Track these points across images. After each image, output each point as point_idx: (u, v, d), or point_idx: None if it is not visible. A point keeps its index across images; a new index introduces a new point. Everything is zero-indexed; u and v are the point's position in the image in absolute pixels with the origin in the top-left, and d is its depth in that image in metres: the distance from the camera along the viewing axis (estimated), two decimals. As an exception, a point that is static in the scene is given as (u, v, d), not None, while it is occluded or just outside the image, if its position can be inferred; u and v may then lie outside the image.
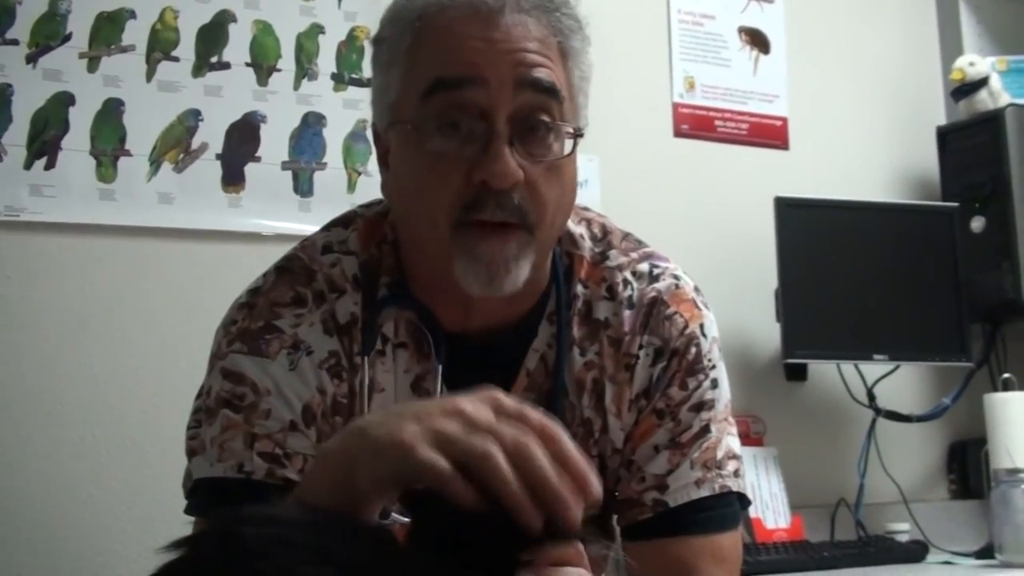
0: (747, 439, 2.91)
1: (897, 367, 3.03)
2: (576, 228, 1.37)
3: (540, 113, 1.21)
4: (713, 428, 1.32)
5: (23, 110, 2.31)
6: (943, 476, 3.30)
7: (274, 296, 1.28)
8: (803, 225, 2.93)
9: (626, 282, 1.34)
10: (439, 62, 1.21)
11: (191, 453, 1.29)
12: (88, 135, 2.36)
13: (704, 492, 1.29)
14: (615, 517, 1.33)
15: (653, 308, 1.32)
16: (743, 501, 1.35)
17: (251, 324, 1.27)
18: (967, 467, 3.24)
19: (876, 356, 2.96)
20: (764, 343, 3.01)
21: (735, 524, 1.33)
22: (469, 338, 1.29)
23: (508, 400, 0.88)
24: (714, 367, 1.34)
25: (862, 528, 2.93)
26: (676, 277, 1.36)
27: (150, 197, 2.41)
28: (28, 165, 2.31)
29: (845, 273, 2.97)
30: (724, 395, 1.35)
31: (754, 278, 2.98)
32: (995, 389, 3.01)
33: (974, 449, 3.16)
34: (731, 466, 1.32)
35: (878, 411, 3.05)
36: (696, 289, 1.37)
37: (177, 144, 2.44)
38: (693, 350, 1.32)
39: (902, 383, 3.13)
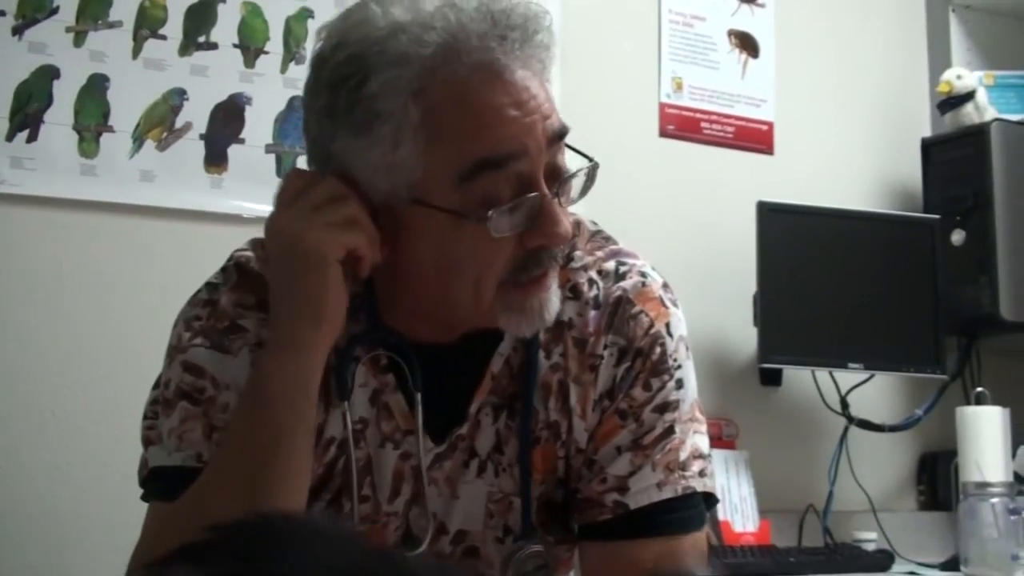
0: (719, 442, 2.91)
1: (872, 376, 3.04)
2: None
3: (562, 159, 1.20)
4: (677, 429, 1.29)
5: (7, 82, 2.30)
6: (912, 487, 3.31)
7: (237, 298, 1.27)
8: (785, 230, 2.94)
9: (591, 282, 1.31)
10: (478, 141, 1.14)
11: (147, 442, 1.28)
12: (72, 110, 2.35)
13: (666, 494, 1.27)
14: (574, 516, 1.32)
15: (618, 307, 1.30)
16: (710, 500, 1.33)
17: (216, 323, 1.26)
18: (936, 479, 3.25)
19: (851, 364, 2.97)
20: (740, 347, 3.01)
21: (699, 525, 1.32)
22: (435, 347, 1.27)
23: None
24: (679, 367, 1.31)
25: (829, 535, 2.95)
26: (643, 275, 1.33)
27: (132, 174, 2.40)
28: (10, 137, 2.29)
29: (824, 280, 2.97)
30: (690, 394, 1.32)
31: (733, 281, 2.99)
32: (968, 402, 3.02)
33: (944, 461, 3.17)
34: (696, 466, 1.30)
35: (851, 419, 3.06)
36: (664, 286, 1.35)
37: (161, 122, 2.43)
38: (658, 350, 1.29)
39: (876, 392, 3.14)
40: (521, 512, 1.28)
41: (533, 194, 1.15)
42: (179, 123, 2.45)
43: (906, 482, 3.30)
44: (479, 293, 1.19)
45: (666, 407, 1.29)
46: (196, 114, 2.46)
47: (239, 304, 1.27)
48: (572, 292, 1.30)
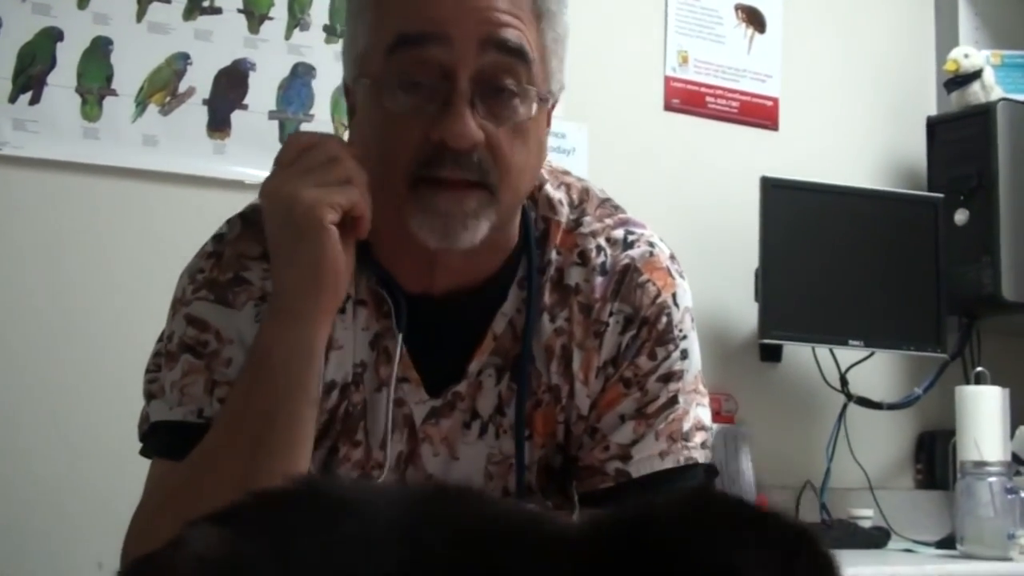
0: (718, 417, 2.91)
1: (872, 354, 3.04)
2: (555, 193, 1.35)
3: (505, 75, 1.18)
4: (681, 399, 1.30)
5: (10, 43, 2.29)
6: (910, 465, 3.32)
7: (242, 248, 1.27)
8: (788, 206, 2.93)
9: (599, 248, 1.31)
10: (403, 16, 1.18)
11: (149, 396, 1.28)
12: (75, 72, 2.34)
13: (668, 464, 1.27)
14: (574, 483, 1.32)
15: (625, 275, 1.29)
16: (710, 472, 1.34)
17: (219, 275, 1.26)
18: (934, 458, 3.26)
19: (851, 342, 2.97)
20: (741, 322, 3.01)
21: None
22: (433, 300, 1.27)
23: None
24: (685, 337, 1.32)
25: (826, 511, 2.96)
26: (651, 244, 1.33)
27: (134, 138, 2.39)
28: (13, 99, 2.29)
29: (826, 257, 2.97)
30: (694, 365, 1.33)
31: (735, 257, 2.98)
32: (967, 382, 3.03)
33: (942, 440, 3.18)
34: (698, 437, 1.30)
35: (850, 397, 3.06)
36: (671, 257, 1.35)
37: (164, 87, 2.42)
38: (664, 319, 1.29)
39: (875, 370, 3.14)
40: (516, 473, 1.28)
41: (443, 83, 1.16)
42: (182, 88, 2.44)
43: (904, 460, 3.31)
44: (391, 180, 1.19)
45: (670, 377, 1.29)
46: (199, 79, 2.45)
47: (243, 255, 1.26)
48: (580, 257, 1.30)
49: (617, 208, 1.37)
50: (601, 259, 1.30)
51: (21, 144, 2.29)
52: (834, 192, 3.02)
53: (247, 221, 1.29)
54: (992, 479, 2.66)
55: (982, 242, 3.07)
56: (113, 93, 2.38)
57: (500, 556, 0.90)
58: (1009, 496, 2.63)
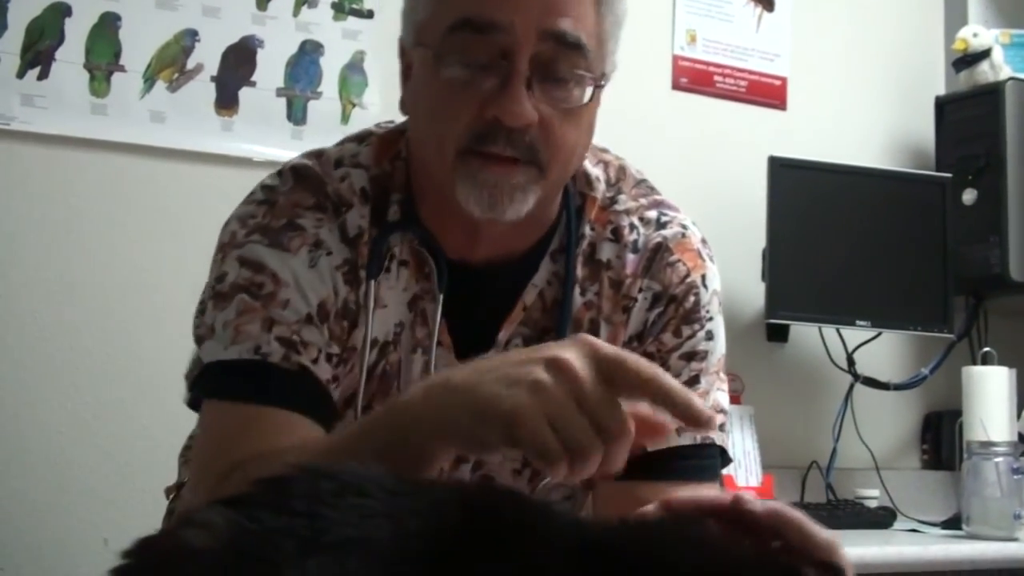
0: (724, 396, 2.92)
1: (879, 334, 3.04)
2: (593, 170, 1.37)
3: (563, 64, 1.20)
4: (703, 380, 1.31)
5: (19, 18, 2.29)
6: (916, 445, 3.32)
7: (296, 198, 1.28)
8: (795, 186, 2.93)
9: (632, 226, 1.34)
10: (469, 0, 1.20)
11: (199, 340, 1.28)
12: (83, 48, 2.34)
13: (685, 440, 1.29)
14: None
15: (656, 254, 1.32)
16: (724, 457, 1.34)
17: (272, 221, 1.27)
18: (940, 438, 3.26)
19: (858, 322, 2.97)
20: (748, 302, 3.01)
21: (713, 477, 1.33)
22: (470, 267, 1.29)
23: (605, 349, 0.90)
24: (711, 319, 1.34)
25: (832, 491, 2.96)
26: (684, 226, 1.36)
27: (142, 115, 2.39)
28: (21, 74, 2.28)
29: (834, 237, 2.96)
30: (719, 349, 1.34)
31: (742, 236, 2.98)
32: (974, 362, 3.02)
33: (949, 420, 3.18)
34: (717, 420, 1.31)
35: (856, 377, 3.06)
36: (703, 241, 1.37)
37: (172, 63, 2.42)
38: (692, 298, 1.32)
39: (882, 350, 3.14)
40: None
41: (502, 63, 1.18)
42: (190, 64, 2.43)
43: (910, 441, 3.31)
44: (441, 150, 1.20)
45: (694, 355, 1.31)
46: (207, 56, 2.45)
47: (297, 204, 1.27)
48: (613, 234, 1.33)
49: (652, 189, 1.39)
50: (634, 237, 1.33)
51: (29, 120, 2.28)
52: (842, 172, 3.01)
53: (299, 175, 1.30)
54: (998, 459, 2.66)
55: (990, 222, 3.07)
56: (121, 69, 2.37)
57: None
58: (1015, 476, 2.64)
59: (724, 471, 2.72)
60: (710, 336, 1.33)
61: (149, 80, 2.39)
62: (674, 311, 1.31)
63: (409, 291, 1.29)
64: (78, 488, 2.26)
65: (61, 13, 2.31)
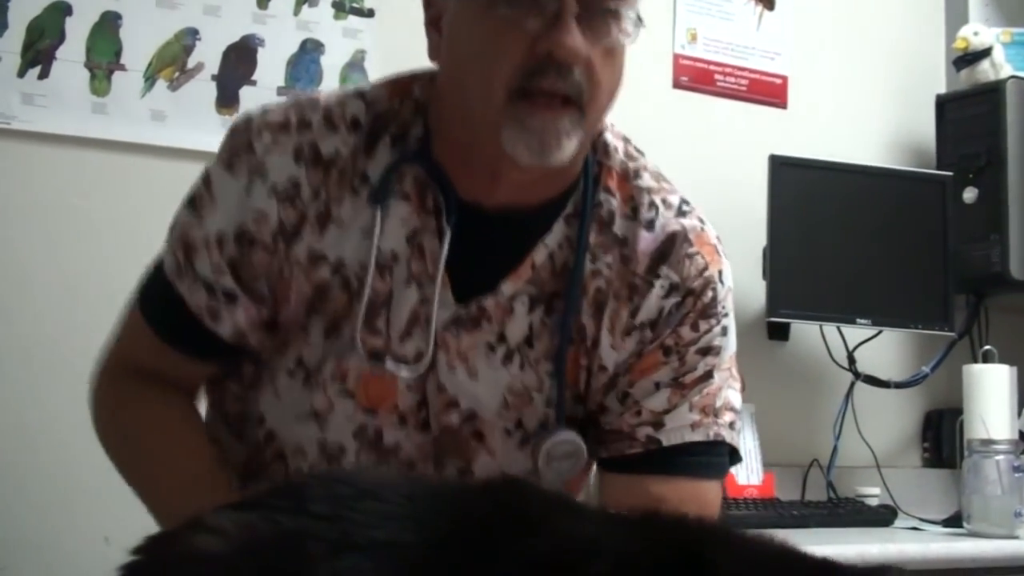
0: (725, 395, 2.92)
1: (879, 332, 3.04)
2: (613, 140, 1.37)
3: (607, 15, 1.21)
4: (716, 375, 1.31)
5: (19, 17, 2.29)
6: (917, 444, 3.32)
7: (269, 118, 1.30)
8: (796, 185, 2.93)
9: (652, 204, 1.34)
10: None
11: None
12: (84, 47, 2.34)
13: (698, 436, 1.29)
14: (600, 448, 1.33)
15: (675, 242, 1.32)
16: (733, 457, 1.35)
17: (238, 140, 1.30)
18: (941, 436, 3.26)
19: (859, 320, 2.97)
20: (748, 300, 3.01)
21: (722, 475, 1.34)
22: (482, 212, 1.29)
23: None
24: (727, 315, 1.34)
25: (833, 490, 2.96)
26: (702, 221, 1.36)
27: (143, 114, 2.39)
28: (22, 73, 2.29)
29: (834, 235, 2.96)
30: (731, 346, 1.35)
31: (743, 234, 2.97)
32: (975, 360, 3.03)
33: (949, 419, 3.18)
34: (728, 417, 1.31)
35: (857, 375, 3.06)
36: (718, 239, 1.38)
37: (173, 62, 2.42)
38: (710, 293, 1.32)
39: (883, 348, 3.14)
40: (556, 400, 1.29)
41: (551, 0, 1.18)
42: (191, 63, 2.44)
43: (911, 439, 3.31)
44: (489, 90, 1.20)
45: (709, 350, 1.31)
46: (208, 55, 2.45)
47: (265, 124, 1.30)
48: (631, 211, 1.33)
49: (670, 183, 1.40)
50: (651, 215, 1.33)
51: (30, 119, 2.29)
52: (842, 170, 3.01)
53: (296, 99, 1.33)
54: (999, 457, 2.66)
55: (990, 220, 3.07)
56: (122, 68, 2.37)
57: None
58: (1016, 474, 2.64)
59: (732, 470, 2.74)
60: (725, 332, 1.33)
61: (150, 79, 2.40)
62: (692, 304, 1.31)
63: (408, 225, 1.28)
64: (79, 486, 2.26)
65: (62, 12, 2.32)
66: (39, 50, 2.30)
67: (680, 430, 1.29)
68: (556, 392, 1.29)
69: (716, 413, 1.31)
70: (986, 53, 3.19)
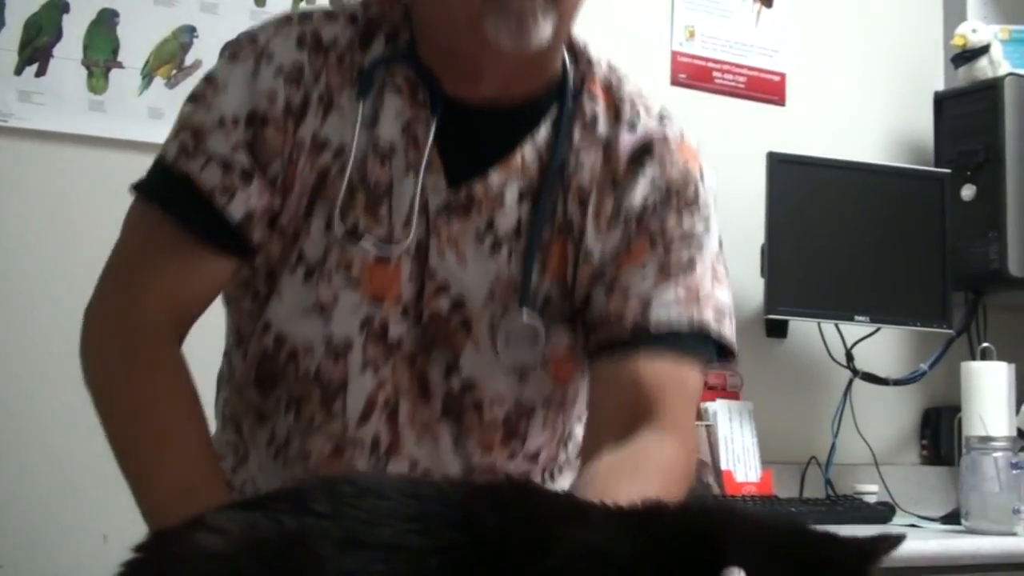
0: (723, 392, 2.92)
1: (878, 329, 3.04)
2: (596, 55, 1.41)
3: None
4: (699, 267, 1.33)
5: (17, 14, 2.29)
6: (915, 441, 3.32)
7: (273, 18, 1.34)
8: (794, 182, 2.93)
9: (634, 110, 1.37)
10: None
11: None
12: (81, 44, 2.34)
13: (683, 320, 1.31)
14: (588, 339, 1.35)
15: (657, 142, 1.36)
16: (727, 353, 1.36)
17: (240, 38, 1.33)
18: (940, 434, 3.26)
19: (857, 317, 2.97)
20: (747, 298, 3.01)
21: (704, 363, 1.35)
22: (469, 107, 1.32)
23: None
24: (709, 213, 1.37)
25: (831, 487, 2.96)
26: (683, 131, 1.40)
27: (140, 111, 2.39)
28: (19, 71, 2.28)
29: (832, 232, 2.97)
30: (714, 244, 1.37)
31: (741, 232, 2.97)
32: (973, 358, 3.03)
33: (948, 416, 3.18)
34: (711, 310, 1.33)
35: (855, 372, 3.06)
36: (698, 146, 1.41)
37: (171, 59, 2.42)
38: (692, 188, 1.35)
39: (881, 346, 3.14)
40: (522, 280, 1.31)
41: None
42: (189, 60, 2.43)
43: (909, 436, 3.31)
44: None
45: (692, 242, 1.35)
46: (206, 52, 2.44)
47: (268, 22, 1.34)
48: (614, 115, 1.36)
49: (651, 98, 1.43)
50: (633, 119, 1.36)
51: (26, 116, 2.29)
52: (840, 167, 3.01)
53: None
54: (997, 454, 2.66)
55: (988, 218, 3.07)
56: (119, 66, 2.37)
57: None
58: (1014, 471, 2.64)
59: (723, 465, 2.73)
60: (707, 228, 1.36)
61: (147, 77, 2.39)
62: (676, 199, 1.34)
63: (402, 117, 1.31)
64: (78, 484, 2.26)
65: (59, 9, 2.31)
66: (36, 47, 2.30)
67: (666, 308, 1.30)
68: (523, 271, 1.31)
69: (700, 301, 1.32)
70: (984, 50, 3.19)
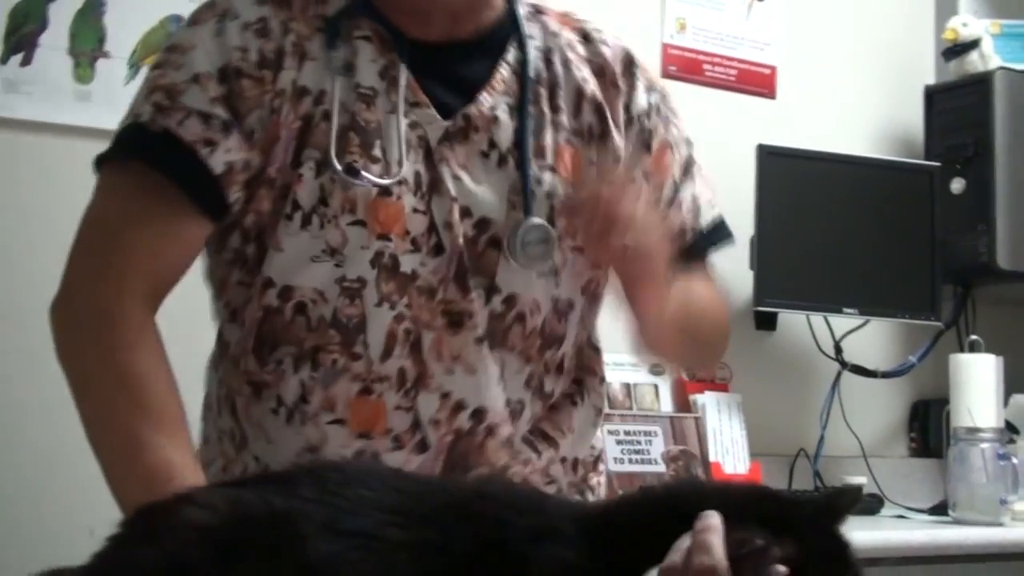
0: (712, 384, 2.93)
1: (866, 322, 3.05)
2: None
3: None
4: (696, 161, 1.52)
5: (2, 3, 2.28)
6: (904, 433, 3.32)
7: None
8: (784, 174, 2.93)
9: (595, 29, 1.49)
10: None
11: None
12: (67, 33, 2.33)
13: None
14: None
15: (632, 55, 1.48)
16: (727, 236, 1.56)
17: (198, 9, 1.37)
18: (928, 426, 3.27)
19: (846, 310, 2.97)
20: (736, 290, 3.01)
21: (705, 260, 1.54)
22: (434, 46, 1.38)
23: None
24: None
25: (819, 479, 2.96)
26: None
27: (127, 101, 2.35)
28: (4, 60, 2.28)
29: (822, 225, 2.97)
30: (685, 149, 1.53)
31: (731, 224, 2.93)
32: (962, 350, 3.03)
33: (936, 409, 3.19)
34: (684, 211, 1.49)
35: (844, 364, 3.07)
36: None
37: (158, 49, 2.40)
38: (670, 97, 1.52)
39: (870, 338, 3.15)
40: (521, 187, 1.36)
41: None
42: (176, 50, 2.43)
43: (898, 428, 3.32)
44: None
45: (690, 143, 1.53)
46: (193, 42, 2.44)
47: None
48: (583, 37, 1.47)
49: None
50: (600, 36, 1.48)
51: (12, 106, 2.28)
52: (830, 160, 3.02)
53: None
54: (984, 445, 2.67)
55: (978, 211, 3.07)
56: (106, 55, 2.37)
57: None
58: (1001, 462, 2.65)
59: (711, 456, 2.74)
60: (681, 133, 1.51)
61: (134, 66, 2.38)
62: (667, 105, 1.50)
63: (378, 62, 1.35)
64: (63, 478, 2.26)
65: (45, -2, 2.31)
66: (22, 37, 2.29)
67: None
68: (522, 180, 1.36)
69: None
70: (975, 44, 3.19)
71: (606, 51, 1.45)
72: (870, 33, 3.39)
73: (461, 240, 1.32)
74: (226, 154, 1.28)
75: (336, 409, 1.30)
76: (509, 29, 1.42)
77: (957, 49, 3.22)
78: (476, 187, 1.34)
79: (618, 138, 1.42)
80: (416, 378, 1.31)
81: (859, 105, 3.35)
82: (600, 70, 1.44)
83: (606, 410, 1.55)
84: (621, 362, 2.79)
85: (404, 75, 1.34)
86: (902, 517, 2.78)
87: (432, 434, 1.31)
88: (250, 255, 1.33)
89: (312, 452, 1.30)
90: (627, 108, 1.44)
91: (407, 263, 1.31)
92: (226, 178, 1.28)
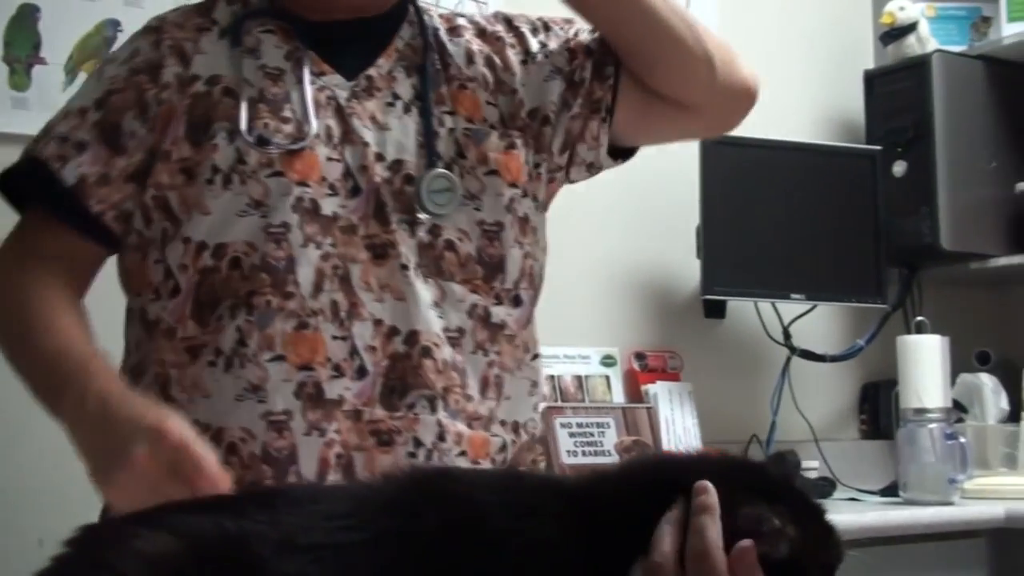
0: (663, 374, 2.93)
1: (814, 307, 3.07)
2: None
3: None
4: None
5: (-67, 12, 2.24)
6: (854, 416, 3.35)
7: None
8: (727, 162, 2.94)
9: (459, 15, 1.61)
10: None
11: None
12: (1, 41, 2.30)
13: None
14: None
15: (507, 15, 1.60)
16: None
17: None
18: (878, 408, 3.30)
19: (793, 295, 2.99)
20: (684, 279, 3.02)
21: None
22: (338, 24, 1.49)
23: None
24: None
25: (772, 464, 2.97)
26: None
27: (65, 108, 2.35)
28: (-63, 69, 2.24)
29: (767, 212, 2.99)
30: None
31: (676, 214, 2.99)
32: (909, 332, 3.06)
33: (886, 390, 3.21)
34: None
35: (793, 350, 3.09)
36: None
37: (95, 54, 2.38)
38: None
39: (818, 323, 3.17)
40: (426, 140, 1.45)
41: None
42: (113, 55, 2.40)
43: (848, 411, 3.34)
44: None
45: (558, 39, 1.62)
46: (130, 46, 2.42)
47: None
48: (456, 15, 1.61)
49: None
50: (474, 15, 1.62)
51: (-52, 116, 2.25)
52: (773, 147, 3.03)
53: None
54: (932, 426, 2.70)
55: (920, 193, 3.10)
56: (42, 62, 2.34)
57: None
58: (949, 442, 2.68)
59: (664, 445, 2.74)
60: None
61: (71, 72, 2.36)
62: (552, 21, 1.59)
63: (283, 48, 1.46)
64: (13, 488, 2.23)
65: (-24, 6, 2.28)
66: (-45, 45, 2.26)
67: None
68: (425, 131, 1.45)
69: None
70: (912, 28, 3.22)
71: (481, 20, 1.58)
72: (808, 18, 3.41)
73: (378, 179, 1.41)
74: (78, 168, 1.42)
75: (275, 347, 1.36)
76: (402, 11, 1.53)
77: (894, 33, 3.24)
78: (386, 133, 1.44)
79: (516, 80, 1.52)
80: (348, 308, 1.37)
81: (799, 91, 3.37)
82: (482, 32, 1.55)
83: (544, 391, 1.61)
84: (572, 355, 2.80)
85: (308, 55, 1.44)
86: (854, 500, 2.80)
87: (369, 360, 1.37)
88: (168, 230, 1.42)
89: (253, 392, 1.35)
90: (524, 51, 1.54)
91: (327, 206, 1.39)
92: (81, 188, 1.42)
